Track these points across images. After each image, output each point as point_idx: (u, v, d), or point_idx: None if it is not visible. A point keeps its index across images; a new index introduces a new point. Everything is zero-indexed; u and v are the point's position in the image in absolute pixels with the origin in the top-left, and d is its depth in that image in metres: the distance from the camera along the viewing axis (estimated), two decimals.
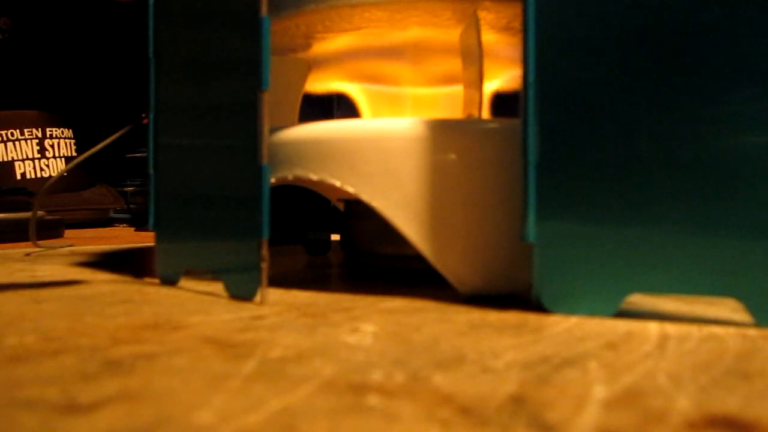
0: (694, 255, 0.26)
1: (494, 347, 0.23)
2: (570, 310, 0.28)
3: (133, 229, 1.00)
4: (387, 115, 0.49)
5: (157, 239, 0.38)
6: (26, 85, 1.27)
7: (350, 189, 0.34)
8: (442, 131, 0.33)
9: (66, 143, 1.11)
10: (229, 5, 0.33)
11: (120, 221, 1.10)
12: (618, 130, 0.28)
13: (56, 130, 1.11)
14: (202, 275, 0.38)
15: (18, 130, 1.08)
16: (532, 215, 0.29)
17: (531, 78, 0.29)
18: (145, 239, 0.73)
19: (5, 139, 1.07)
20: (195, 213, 0.36)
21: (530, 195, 0.29)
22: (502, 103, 0.46)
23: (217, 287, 0.34)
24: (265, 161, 0.31)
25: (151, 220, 0.38)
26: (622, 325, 0.26)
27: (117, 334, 0.25)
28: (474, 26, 0.38)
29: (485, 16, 0.38)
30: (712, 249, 0.26)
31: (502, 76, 0.47)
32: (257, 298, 0.31)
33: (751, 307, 0.26)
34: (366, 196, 0.33)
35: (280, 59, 0.46)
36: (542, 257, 0.29)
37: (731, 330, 0.26)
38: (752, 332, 0.25)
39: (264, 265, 0.31)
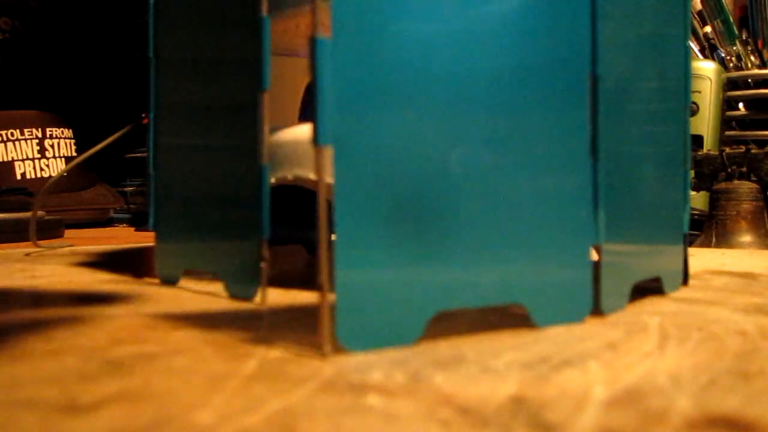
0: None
1: (494, 347, 0.23)
2: None
3: (133, 229, 1.00)
4: None
5: (157, 239, 0.38)
6: (26, 85, 1.27)
7: None
8: None
9: (66, 143, 1.11)
10: (229, 5, 0.33)
11: (120, 221, 1.10)
12: None
13: (56, 130, 1.11)
14: (202, 275, 0.38)
15: (18, 130, 1.08)
16: None
17: None
18: (145, 239, 0.73)
19: (5, 139, 1.07)
20: (195, 213, 0.36)
21: None
22: None
23: (217, 287, 0.34)
24: (265, 161, 0.31)
25: (151, 220, 0.38)
26: (622, 325, 0.26)
27: (117, 334, 0.25)
28: None
29: None
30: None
31: None
32: (257, 298, 0.31)
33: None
34: None
35: (280, 59, 0.46)
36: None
37: (731, 330, 0.26)
38: (752, 332, 0.25)
39: (264, 265, 0.31)
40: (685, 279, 0.36)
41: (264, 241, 0.31)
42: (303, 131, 0.36)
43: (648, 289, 0.33)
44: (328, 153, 0.22)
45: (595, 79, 0.27)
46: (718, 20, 0.88)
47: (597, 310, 0.27)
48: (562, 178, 0.26)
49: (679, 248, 0.36)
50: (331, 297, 0.22)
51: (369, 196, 0.23)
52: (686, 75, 0.36)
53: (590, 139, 0.27)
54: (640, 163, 0.31)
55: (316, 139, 0.22)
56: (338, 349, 0.22)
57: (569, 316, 0.27)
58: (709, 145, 0.85)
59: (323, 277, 0.22)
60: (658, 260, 0.34)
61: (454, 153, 0.24)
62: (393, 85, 0.23)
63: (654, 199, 0.33)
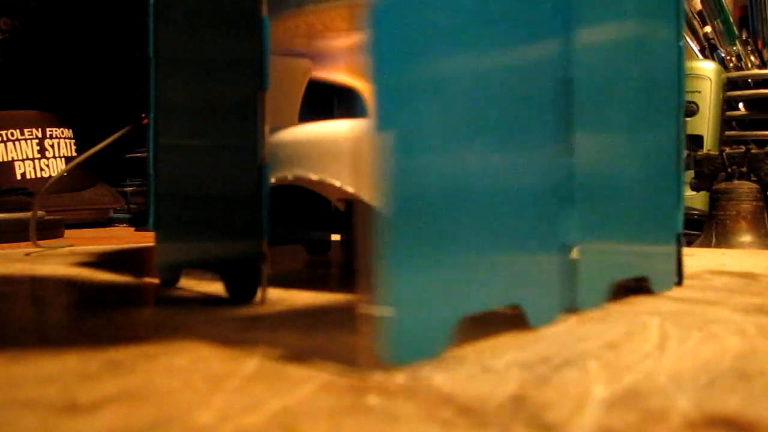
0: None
1: (494, 347, 0.23)
2: None
3: (133, 229, 1.00)
4: None
5: (157, 239, 0.38)
6: (26, 85, 1.27)
7: (350, 189, 0.34)
8: None
9: (66, 143, 1.11)
10: (229, 5, 0.33)
11: (120, 221, 1.10)
12: None
13: (56, 130, 1.11)
14: (202, 275, 0.38)
15: (18, 130, 1.08)
16: None
17: None
18: (145, 239, 0.73)
19: (5, 139, 1.07)
20: (195, 213, 0.36)
21: None
22: None
23: (217, 287, 0.34)
24: (265, 161, 0.31)
25: (151, 220, 0.38)
26: (622, 325, 0.26)
27: (117, 334, 0.25)
28: None
29: None
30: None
31: None
32: (257, 298, 0.31)
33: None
34: (366, 196, 0.33)
35: (280, 59, 0.46)
36: None
37: (731, 330, 0.26)
38: (752, 332, 0.25)
39: (264, 265, 0.31)
40: (680, 279, 0.36)
41: (264, 241, 0.31)
42: (303, 131, 0.36)
43: (646, 289, 0.33)
44: (375, 144, 0.20)
45: (569, 81, 0.27)
46: (718, 20, 0.88)
47: (573, 308, 0.28)
48: (539, 176, 0.26)
49: (671, 248, 0.36)
50: (370, 308, 0.20)
51: (422, 195, 0.21)
52: (679, 73, 0.36)
53: (566, 138, 0.27)
54: (624, 163, 0.32)
55: (377, 125, 0.20)
56: (382, 363, 0.20)
57: (549, 314, 0.27)
58: (709, 145, 0.85)
59: (367, 289, 0.20)
60: (645, 259, 0.34)
61: (478, 150, 0.24)
62: (438, 77, 0.22)
63: (641, 198, 0.33)
